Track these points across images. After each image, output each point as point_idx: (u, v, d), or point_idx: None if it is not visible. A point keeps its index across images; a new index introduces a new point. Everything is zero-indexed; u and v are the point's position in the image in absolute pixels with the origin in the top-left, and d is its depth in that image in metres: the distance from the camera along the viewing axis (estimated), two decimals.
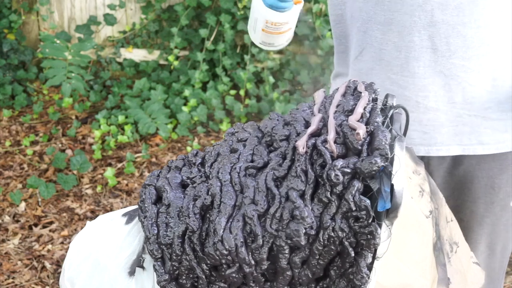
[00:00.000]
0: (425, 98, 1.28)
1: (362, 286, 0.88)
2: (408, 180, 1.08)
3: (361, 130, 0.89)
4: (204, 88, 3.65)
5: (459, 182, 1.38)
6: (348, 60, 1.41)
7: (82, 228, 1.41)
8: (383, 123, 0.94)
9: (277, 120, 1.02)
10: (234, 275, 0.92)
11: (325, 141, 0.91)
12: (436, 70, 1.25)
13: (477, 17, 1.21)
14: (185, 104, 3.53)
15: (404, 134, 1.05)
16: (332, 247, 0.88)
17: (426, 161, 1.34)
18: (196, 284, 0.96)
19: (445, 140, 1.33)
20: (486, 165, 1.35)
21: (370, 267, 0.88)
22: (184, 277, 0.95)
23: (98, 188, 3.01)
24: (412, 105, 1.29)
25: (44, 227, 2.78)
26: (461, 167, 1.36)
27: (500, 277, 1.49)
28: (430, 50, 1.24)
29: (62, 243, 2.69)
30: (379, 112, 0.95)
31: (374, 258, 0.88)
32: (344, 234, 0.88)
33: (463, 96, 1.27)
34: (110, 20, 3.75)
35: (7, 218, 2.81)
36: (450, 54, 1.24)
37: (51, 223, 2.80)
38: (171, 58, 3.59)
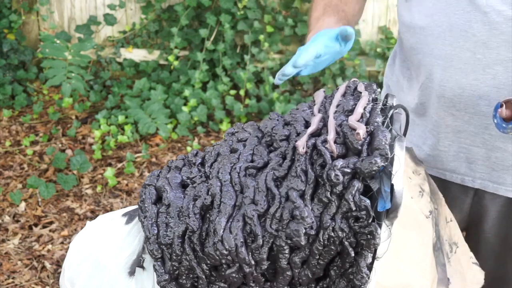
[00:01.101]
0: (491, 137, 1.23)
1: (362, 286, 0.88)
2: (408, 180, 1.08)
3: (361, 130, 0.89)
4: (204, 88, 3.65)
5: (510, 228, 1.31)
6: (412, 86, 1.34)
7: (82, 228, 1.41)
8: (383, 123, 0.94)
9: (277, 120, 1.02)
10: (234, 275, 0.92)
11: (325, 141, 0.91)
12: None
13: None
14: (185, 104, 3.53)
15: (404, 134, 1.05)
16: (332, 247, 0.88)
17: (481, 195, 1.30)
18: (196, 284, 0.96)
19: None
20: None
21: (370, 267, 0.88)
22: (184, 277, 0.96)
23: (98, 188, 3.01)
24: (479, 141, 1.24)
25: (44, 227, 2.78)
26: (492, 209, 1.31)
27: None
28: (496, 89, 1.17)
29: (62, 243, 2.69)
30: (379, 112, 0.95)
31: (374, 258, 0.88)
32: (344, 234, 0.88)
33: None
34: (110, 20, 3.75)
35: (7, 218, 2.81)
36: None
37: (51, 223, 2.80)
38: (171, 58, 3.59)
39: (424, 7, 1.23)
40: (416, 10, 1.25)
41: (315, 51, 1.09)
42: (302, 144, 0.92)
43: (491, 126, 1.20)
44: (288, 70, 1.08)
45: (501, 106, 1.02)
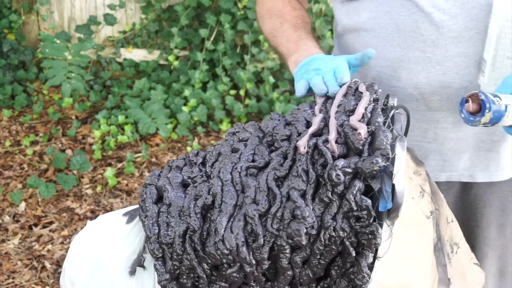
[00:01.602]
0: (444, 130, 1.26)
1: (363, 286, 0.88)
2: (409, 181, 1.08)
3: (362, 130, 0.89)
4: (204, 88, 3.64)
5: (469, 208, 1.35)
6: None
7: (82, 228, 1.41)
8: (384, 123, 0.94)
9: (278, 120, 1.02)
10: (235, 274, 0.92)
11: (326, 141, 0.91)
12: (454, 102, 1.21)
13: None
14: (185, 104, 3.53)
15: (405, 134, 1.05)
16: (333, 246, 0.88)
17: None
18: (197, 283, 0.96)
19: (467, 167, 1.30)
20: (497, 188, 1.33)
21: (371, 267, 0.88)
22: (185, 277, 0.95)
23: (98, 188, 3.01)
24: (431, 137, 1.27)
25: (44, 227, 2.78)
26: (471, 191, 1.34)
27: None
28: (447, 84, 1.20)
29: (62, 243, 2.68)
30: (380, 112, 0.95)
31: (375, 258, 0.88)
32: (345, 234, 0.88)
33: None
34: (110, 20, 3.75)
35: (7, 218, 2.81)
36: (468, 84, 1.20)
37: (51, 223, 2.80)
38: (171, 58, 3.59)
39: (365, 10, 1.24)
40: (355, 13, 1.26)
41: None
42: (303, 144, 0.92)
43: (443, 119, 1.24)
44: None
45: (467, 101, 1.06)
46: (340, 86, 1.04)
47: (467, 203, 1.35)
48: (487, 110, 1.03)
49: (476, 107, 1.05)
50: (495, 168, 1.30)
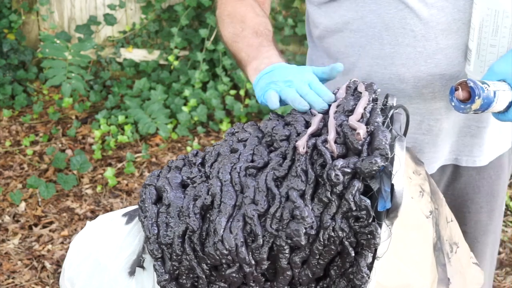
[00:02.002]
0: (437, 121, 1.27)
1: (362, 286, 0.88)
2: (408, 180, 1.08)
3: (362, 130, 0.89)
4: (204, 88, 3.64)
5: (460, 195, 1.37)
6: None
7: (82, 228, 1.41)
8: (383, 123, 0.94)
9: (277, 120, 1.02)
10: (234, 275, 0.92)
11: (325, 141, 0.91)
12: (446, 92, 1.23)
13: None
14: (185, 104, 3.53)
15: (405, 134, 1.05)
16: (332, 247, 0.88)
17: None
18: (196, 284, 0.96)
19: (453, 151, 1.33)
20: (485, 173, 1.36)
21: (370, 267, 0.88)
22: (184, 277, 0.96)
23: (98, 188, 3.01)
24: (425, 129, 1.28)
25: (44, 227, 2.78)
26: (461, 179, 1.36)
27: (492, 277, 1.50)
28: (438, 76, 1.22)
29: (62, 243, 2.69)
30: (379, 112, 0.95)
31: (374, 258, 0.88)
32: (344, 234, 0.88)
33: None
34: (110, 20, 3.75)
35: (7, 218, 2.81)
36: (458, 74, 1.22)
37: (51, 223, 2.80)
38: (171, 58, 3.59)
39: (348, 10, 1.23)
40: (337, 15, 1.25)
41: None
42: (302, 144, 0.92)
43: (437, 111, 1.26)
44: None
45: (456, 89, 1.09)
46: (327, 104, 1.00)
47: (457, 190, 1.37)
48: (477, 97, 1.06)
49: (465, 95, 1.08)
50: (479, 153, 1.33)
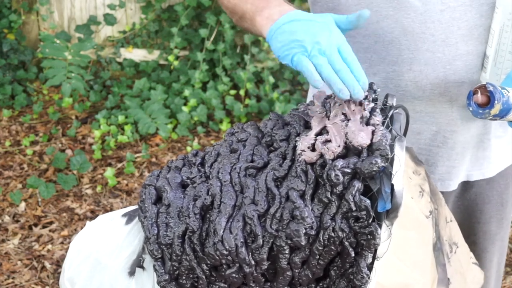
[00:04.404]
0: (453, 133, 1.23)
1: (362, 286, 0.88)
2: (408, 181, 1.08)
3: (366, 140, 0.89)
4: (204, 88, 3.64)
5: (470, 206, 1.35)
6: None
7: (82, 228, 1.41)
8: (383, 123, 0.94)
9: (277, 120, 1.02)
10: (234, 275, 0.92)
11: (325, 142, 0.91)
12: (464, 101, 1.18)
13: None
14: (185, 104, 3.53)
15: (404, 134, 1.05)
16: (332, 247, 0.88)
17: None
18: (196, 284, 0.96)
19: (468, 167, 1.30)
20: (495, 183, 1.34)
21: (370, 267, 0.88)
22: (184, 277, 0.95)
23: (98, 188, 3.01)
24: (440, 140, 1.24)
25: (44, 227, 2.78)
26: (472, 190, 1.34)
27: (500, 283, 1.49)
28: (456, 83, 1.17)
29: (62, 243, 2.69)
30: (379, 112, 0.95)
31: (374, 258, 0.88)
32: (344, 234, 0.88)
33: (484, 122, 1.24)
34: (110, 20, 3.75)
35: (7, 218, 2.81)
36: (477, 83, 1.17)
37: (51, 223, 2.80)
38: (171, 58, 3.59)
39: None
40: None
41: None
42: (305, 146, 0.92)
43: (453, 122, 1.21)
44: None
45: (475, 93, 1.06)
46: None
47: (467, 201, 1.35)
48: (496, 101, 1.02)
49: (484, 99, 1.04)
50: (487, 165, 1.31)
